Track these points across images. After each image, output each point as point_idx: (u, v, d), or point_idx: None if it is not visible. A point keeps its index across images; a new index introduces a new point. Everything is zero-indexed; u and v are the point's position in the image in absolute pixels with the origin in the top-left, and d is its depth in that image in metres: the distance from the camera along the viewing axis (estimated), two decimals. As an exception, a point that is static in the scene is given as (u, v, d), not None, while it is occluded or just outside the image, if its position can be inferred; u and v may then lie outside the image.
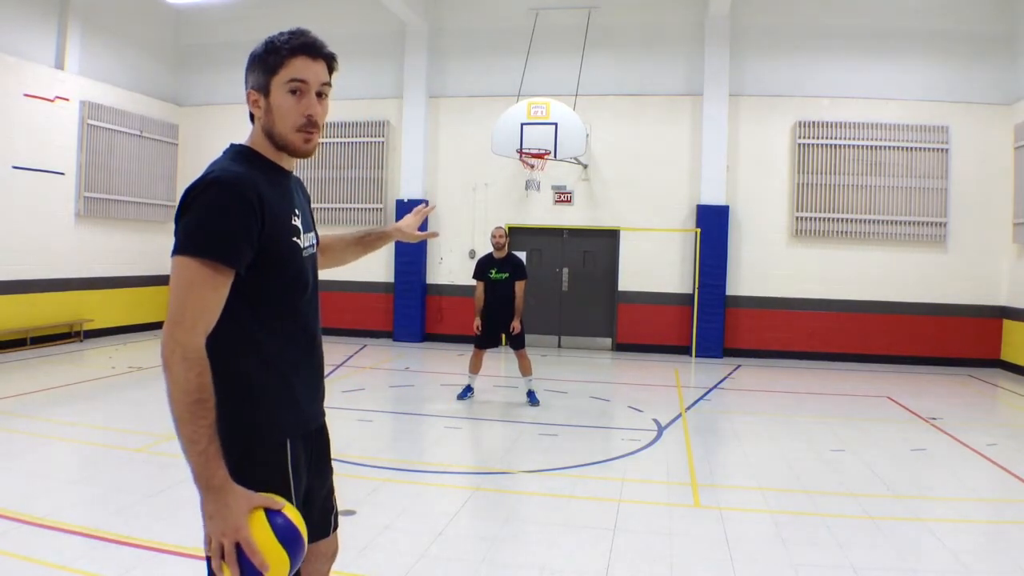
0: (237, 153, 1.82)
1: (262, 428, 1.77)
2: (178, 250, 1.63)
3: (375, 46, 13.02)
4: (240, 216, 1.66)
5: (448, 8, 12.86)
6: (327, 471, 2.10)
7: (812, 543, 4.16)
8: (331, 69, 1.88)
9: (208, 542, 1.59)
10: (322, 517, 2.05)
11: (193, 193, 1.67)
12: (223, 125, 13.70)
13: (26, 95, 10.60)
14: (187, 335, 1.59)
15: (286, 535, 1.63)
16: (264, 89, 1.80)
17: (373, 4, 11.98)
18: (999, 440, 6.84)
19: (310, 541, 1.82)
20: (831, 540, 4.20)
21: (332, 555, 2.13)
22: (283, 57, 1.79)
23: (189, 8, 13.34)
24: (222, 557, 1.56)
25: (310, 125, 1.81)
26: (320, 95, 1.84)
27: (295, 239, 1.83)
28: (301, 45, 1.80)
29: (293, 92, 1.79)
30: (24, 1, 10.78)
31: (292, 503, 1.76)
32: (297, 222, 1.86)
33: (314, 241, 1.99)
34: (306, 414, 1.93)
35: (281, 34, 1.83)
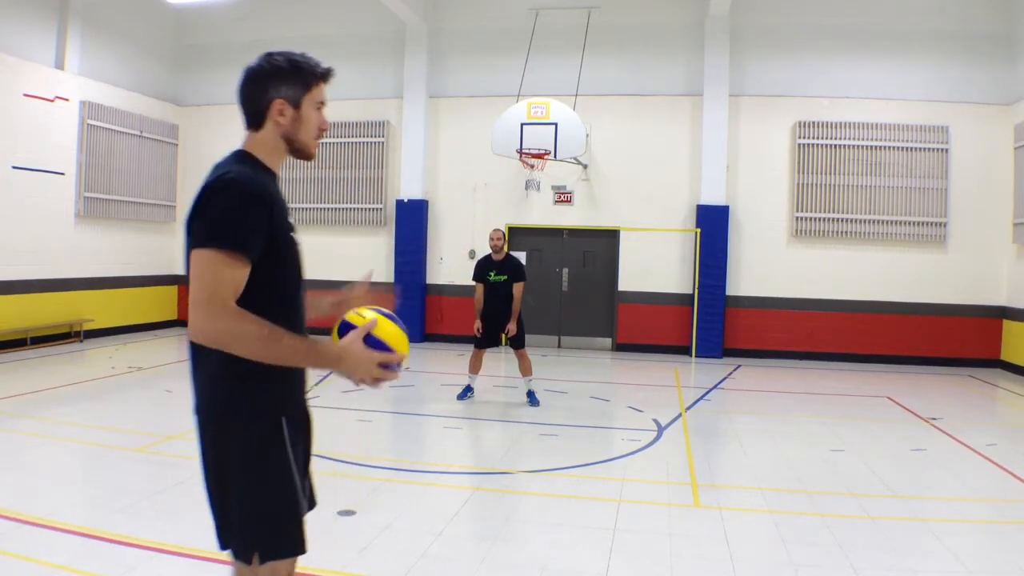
0: (243, 157, 2.06)
1: (264, 407, 2.00)
2: (203, 243, 1.85)
3: (375, 46, 13.02)
4: (255, 213, 1.90)
5: (448, 8, 12.86)
6: (309, 458, 2.28)
7: (812, 543, 4.16)
8: None
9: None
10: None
11: (211, 192, 1.89)
12: (223, 125, 13.69)
13: (26, 95, 10.60)
14: (222, 305, 1.82)
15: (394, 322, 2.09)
16: (296, 102, 2.07)
17: (373, 4, 11.98)
18: (999, 440, 6.84)
19: None
20: (831, 540, 4.20)
21: None
22: (316, 79, 2.10)
23: (189, 8, 13.34)
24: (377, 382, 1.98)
25: (321, 135, 2.16)
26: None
27: (292, 234, 2.08)
28: (326, 73, 2.13)
29: (318, 109, 2.12)
30: (24, 1, 10.78)
31: (294, 478, 2.03)
32: (292, 219, 2.11)
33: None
34: (298, 398, 2.15)
35: (306, 57, 2.11)
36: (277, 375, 1.97)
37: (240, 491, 1.98)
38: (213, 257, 1.84)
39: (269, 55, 2.08)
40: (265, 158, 2.09)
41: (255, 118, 2.08)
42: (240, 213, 1.88)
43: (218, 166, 2.02)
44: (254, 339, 1.83)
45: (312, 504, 2.25)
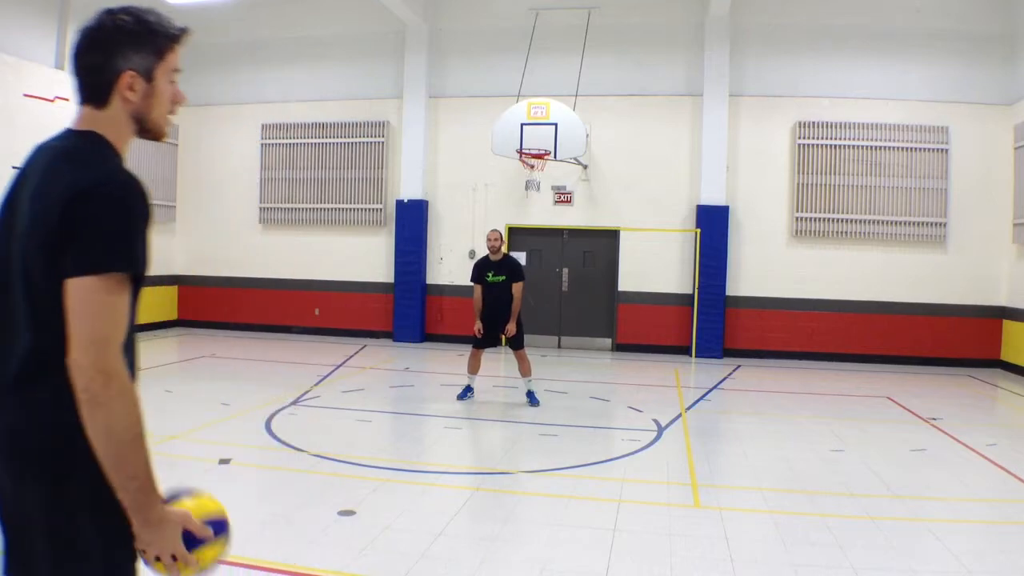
0: (107, 146, 1.63)
1: None
2: (98, 265, 1.45)
3: (375, 46, 13.02)
4: (147, 225, 1.56)
5: (448, 8, 12.86)
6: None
7: (812, 543, 4.16)
8: None
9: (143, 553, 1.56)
10: None
11: (98, 196, 1.48)
12: (223, 125, 13.73)
13: (26, 95, 10.59)
14: (117, 361, 1.46)
15: (218, 529, 1.64)
16: (149, 73, 1.67)
17: (373, 4, 11.98)
18: (999, 440, 6.83)
19: None
20: (831, 540, 4.20)
21: None
22: (170, 43, 1.70)
23: (189, 8, 13.32)
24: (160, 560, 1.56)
25: (176, 110, 1.78)
26: None
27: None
28: (182, 34, 1.72)
29: (172, 80, 1.74)
30: (24, 1, 10.78)
31: (132, 543, 1.58)
32: None
33: None
34: None
35: (158, 15, 1.69)
36: None
37: (87, 558, 1.54)
38: (110, 281, 1.47)
39: (111, 12, 1.66)
40: (115, 142, 1.65)
41: (97, 92, 1.64)
42: (138, 225, 1.53)
43: (71, 153, 1.58)
44: (121, 428, 1.45)
45: None
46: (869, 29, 11.65)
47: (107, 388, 1.44)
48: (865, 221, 11.66)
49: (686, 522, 4.49)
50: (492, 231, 7.95)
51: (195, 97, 13.81)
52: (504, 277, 7.77)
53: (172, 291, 13.86)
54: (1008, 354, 11.29)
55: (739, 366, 11.22)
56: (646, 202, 12.25)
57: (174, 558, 1.55)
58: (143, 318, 13.03)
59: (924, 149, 11.51)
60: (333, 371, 9.67)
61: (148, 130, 1.72)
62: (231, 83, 13.62)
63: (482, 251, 11.62)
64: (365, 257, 13.15)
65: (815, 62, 11.83)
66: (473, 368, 8.05)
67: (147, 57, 1.66)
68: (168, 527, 1.54)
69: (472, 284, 7.98)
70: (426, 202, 12.81)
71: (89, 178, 1.50)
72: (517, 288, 7.76)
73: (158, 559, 1.55)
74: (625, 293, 12.39)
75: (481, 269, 7.91)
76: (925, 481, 5.63)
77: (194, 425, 6.51)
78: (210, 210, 13.72)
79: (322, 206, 13.18)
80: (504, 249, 8.06)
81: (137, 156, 12.66)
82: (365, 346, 12.14)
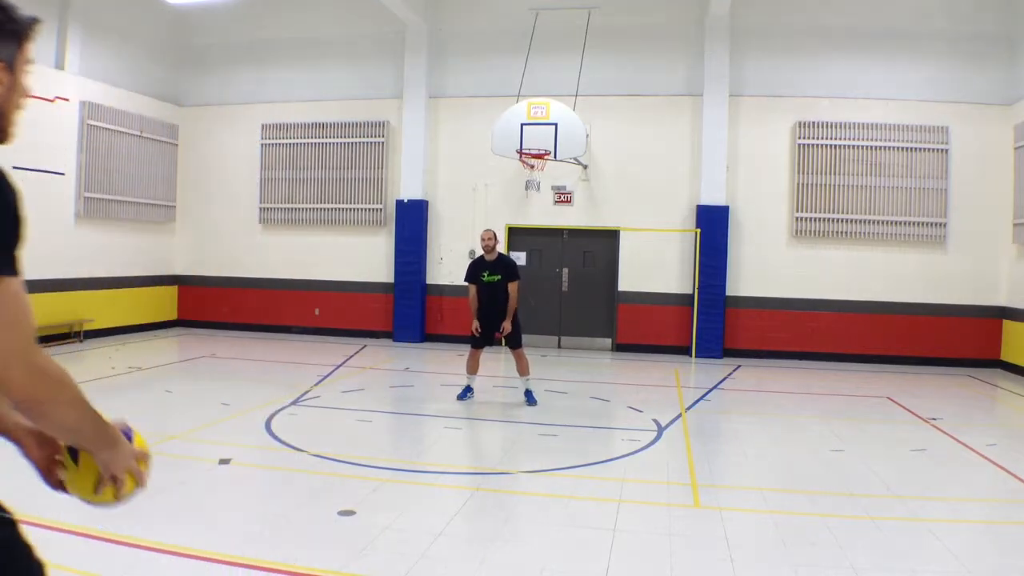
0: None
1: None
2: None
3: (375, 46, 13.02)
4: (17, 219, 1.41)
5: (448, 8, 12.86)
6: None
7: (812, 543, 4.16)
8: None
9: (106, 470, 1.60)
10: None
11: None
12: (223, 125, 13.74)
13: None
14: (40, 354, 1.36)
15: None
16: (11, 65, 1.51)
17: (373, 4, 11.98)
18: (999, 440, 6.83)
19: None
20: (831, 540, 4.20)
21: None
22: (28, 31, 1.54)
23: (189, 8, 13.33)
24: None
25: (23, 106, 1.62)
26: None
27: None
28: (37, 22, 1.56)
29: (27, 72, 1.57)
30: (24, 1, 10.76)
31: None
32: None
33: None
34: None
35: (8, 2, 1.54)
36: None
37: None
38: (14, 287, 1.36)
39: None
40: None
41: None
42: (20, 221, 1.40)
43: None
44: (79, 400, 1.43)
45: None
46: (869, 29, 11.65)
47: (47, 385, 1.37)
48: (865, 221, 11.66)
49: (686, 522, 4.49)
50: (486, 231, 7.94)
51: (195, 97, 13.87)
52: (499, 276, 7.77)
53: (172, 291, 13.86)
54: (1008, 354, 11.29)
55: (739, 366, 11.22)
56: (646, 202, 12.25)
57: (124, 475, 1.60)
58: (143, 318, 13.07)
59: (924, 149, 11.51)
60: (333, 371, 9.67)
61: (2, 129, 1.57)
62: (231, 83, 13.63)
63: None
64: (365, 257, 13.15)
65: (815, 62, 11.83)
66: (472, 368, 8.05)
67: (10, 47, 1.50)
68: (122, 440, 1.59)
69: (466, 284, 7.98)
70: (426, 202, 12.81)
71: None
72: (513, 287, 7.77)
73: (115, 479, 1.59)
74: (625, 293, 12.39)
75: (476, 269, 7.90)
76: (925, 481, 5.63)
77: (194, 425, 6.51)
78: (210, 210, 13.72)
79: (322, 206, 13.18)
80: (501, 249, 8.04)
81: (137, 156, 12.67)
82: (365, 346, 12.14)
